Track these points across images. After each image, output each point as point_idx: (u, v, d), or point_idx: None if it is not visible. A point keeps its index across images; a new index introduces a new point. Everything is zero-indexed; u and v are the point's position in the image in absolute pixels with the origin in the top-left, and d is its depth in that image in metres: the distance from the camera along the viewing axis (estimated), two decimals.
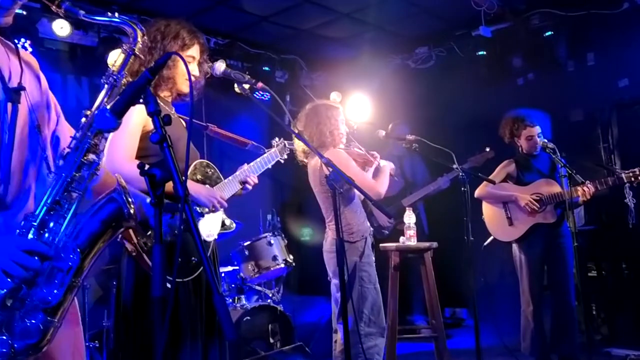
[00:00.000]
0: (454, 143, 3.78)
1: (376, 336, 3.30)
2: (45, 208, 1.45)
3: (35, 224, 1.44)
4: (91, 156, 1.50)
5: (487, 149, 4.58)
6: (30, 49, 4.07)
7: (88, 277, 3.92)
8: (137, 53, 1.61)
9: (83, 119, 1.53)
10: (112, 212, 1.49)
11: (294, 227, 6.05)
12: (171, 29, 2.34)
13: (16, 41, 4.09)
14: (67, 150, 1.51)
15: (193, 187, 2.30)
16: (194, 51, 2.39)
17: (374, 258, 3.40)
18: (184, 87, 2.38)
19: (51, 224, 1.45)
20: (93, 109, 1.54)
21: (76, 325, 1.66)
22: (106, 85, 1.57)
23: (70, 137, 1.53)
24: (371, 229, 3.45)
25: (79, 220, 1.48)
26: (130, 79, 1.55)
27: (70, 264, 1.44)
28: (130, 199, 1.50)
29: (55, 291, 1.43)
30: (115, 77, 1.57)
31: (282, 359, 3.56)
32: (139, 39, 1.61)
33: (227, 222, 2.51)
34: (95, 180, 1.56)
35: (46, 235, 1.44)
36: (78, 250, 1.45)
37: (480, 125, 5.23)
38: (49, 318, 1.42)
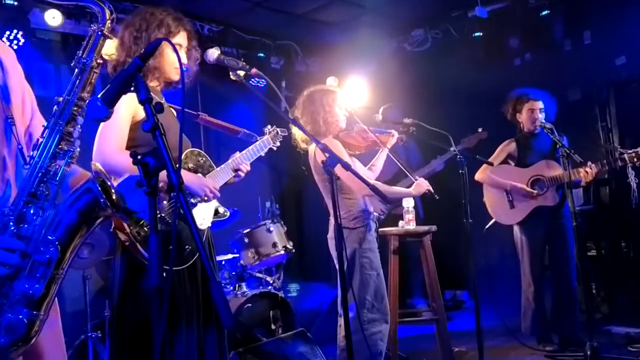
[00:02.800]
0: (451, 125, 3.76)
1: (380, 322, 3.30)
2: (22, 201, 1.44)
3: (12, 217, 1.42)
4: (65, 145, 1.48)
5: (480, 130, 4.57)
6: (22, 40, 4.03)
7: (85, 267, 3.94)
8: (107, 34, 1.57)
9: (55, 107, 1.50)
10: (88, 203, 1.47)
11: (292, 214, 6.05)
12: (155, 17, 2.31)
13: (8, 32, 4.07)
14: (41, 140, 1.48)
15: (185, 176, 2.28)
16: (181, 38, 2.37)
17: (377, 244, 3.39)
18: (173, 75, 2.35)
19: (29, 217, 1.44)
20: (65, 95, 1.50)
21: (53, 311, 1.65)
22: (76, 70, 1.53)
23: (43, 126, 1.50)
24: (375, 214, 3.43)
25: (57, 212, 1.46)
26: (101, 61, 1.52)
27: (49, 256, 1.43)
28: (109, 186, 1.48)
29: (37, 285, 1.42)
30: (84, 60, 1.53)
31: (284, 345, 3.57)
32: (108, 19, 1.57)
33: (221, 210, 2.50)
34: (74, 173, 1.54)
35: (25, 226, 1.43)
36: (57, 243, 1.43)
37: (477, 106, 5.21)
38: (34, 312, 1.41)
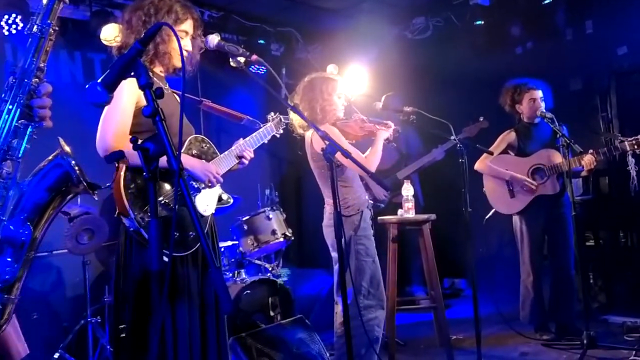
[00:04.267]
0: (451, 113, 3.75)
1: (376, 308, 3.32)
2: None
3: None
4: (26, 119, 1.42)
5: (481, 119, 4.57)
6: (21, 24, 4.01)
7: (85, 253, 3.95)
8: None
9: (11, 78, 1.45)
10: (59, 178, 1.43)
11: (292, 201, 6.05)
12: (165, 3, 2.31)
13: (6, 17, 4.04)
14: None
15: (189, 161, 2.29)
16: (187, 26, 2.37)
17: (372, 231, 3.40)
18: (179, 62, 2.35)
19: None
20: (21, 64, 1.46)
21: None
22: (30, 39, 1.48)
23: None
24: (370, 202, 3.44)
25: (24, 190, 1.41)
26: (57, 29, 1.48)
27: (23, 239, 1.40)
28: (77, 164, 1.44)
29: (8, 268, 1.39)
30: (40, 26, 1.48)
31: (283, 332, 3.59)
32: None
33: (225, 196, 2.50)
34: None
35: None
36: (28, 223, 1.40)
37: (478, 95, 5.20)
38: (5, 295, 1.39)
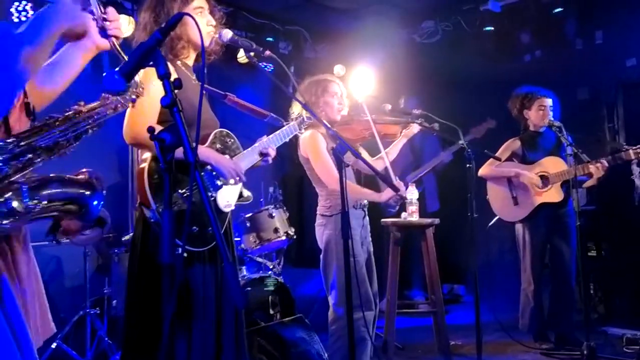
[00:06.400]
0: (458, 118, 3.74)
1: (358, 309, 3.26)
2: None
3: None
4: None
5: (488, 119, 4.55)
6: (31, 12, 3.99)
7: (87, 244, 3.93)
8: None
9: None
10: (76, 199, 1.43)
11: (295, 199, 6.03)
12: None
13: (17, 3, 4.01)
14: None
15: (216, 157, 2.27)
16: (200, 1, 2.33)
17: (358, 231, 3.32)
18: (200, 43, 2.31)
19: None
20: None
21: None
22: None
23: None
24: (361, 203, 3.37)
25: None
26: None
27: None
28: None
29: None
30: None
31: (282, 330, 3.57)
32: None
33: (245, 193, 2.47)
34: None
35: None
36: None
37: (485, 100, 5.19)
38: None
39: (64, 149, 1.46)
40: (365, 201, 3.36)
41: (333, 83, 3.38)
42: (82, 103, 1.55)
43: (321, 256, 3.31)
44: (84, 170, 1.53)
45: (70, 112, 1.49)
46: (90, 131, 1.51)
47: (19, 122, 1.49)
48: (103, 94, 1.54)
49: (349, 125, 3.43)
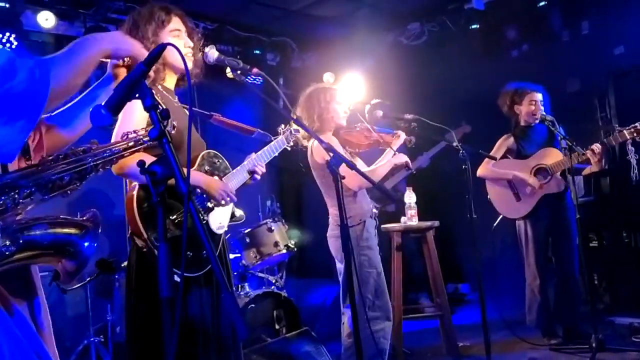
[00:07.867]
0: (449, 118, 3.74)
1: (382, 320, 3.28)
2: None
3: None
4: None
5: (463, 123, 4.55)
6: (15, 43, 3.98)
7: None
8: None
9: None
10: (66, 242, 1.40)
11: (293, 211, 6.01)
12: (143, 14, 2.27)
13: (0, 35, 4.00)
14: None
15: (205, 180, 2.25)
16: (176, 23, 2.31)
17: (376, 241, 3.36)
18: (181, 63, 2.30)
19: None
20: None
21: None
22: None
23: None
24: (375, 212, 3.40)
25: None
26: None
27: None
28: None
29: None
30: None
31: (289, 345, 3.55)
32: None
33: (237, 213, 2.46)
34: None
35: None
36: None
37: (475, 99, 5.18)
38: None
39: (63, 189, 1.40)
40: (376, 210, 3.40)
41: (337, 90, 3.42)
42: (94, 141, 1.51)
43: (341, 268, 3.29)
44: (92, 210, 1.50)
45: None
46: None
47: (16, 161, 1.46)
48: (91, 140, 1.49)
49: (352, 133, 3.45)
